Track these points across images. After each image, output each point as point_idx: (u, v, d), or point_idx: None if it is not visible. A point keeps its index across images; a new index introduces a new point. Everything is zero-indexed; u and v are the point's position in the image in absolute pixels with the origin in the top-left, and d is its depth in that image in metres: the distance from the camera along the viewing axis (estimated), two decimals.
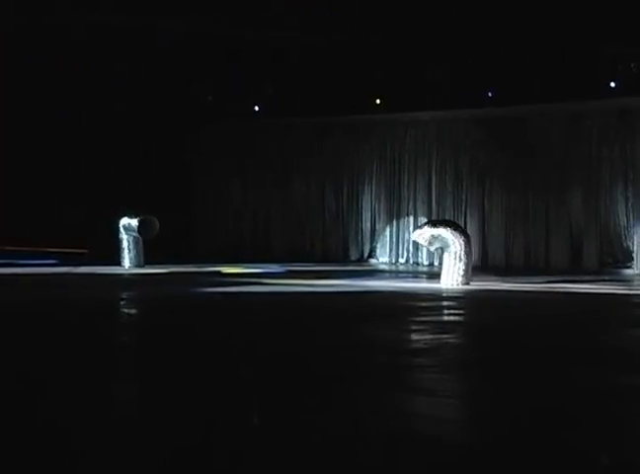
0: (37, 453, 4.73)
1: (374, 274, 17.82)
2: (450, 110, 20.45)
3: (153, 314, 11.11)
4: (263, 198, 23.10)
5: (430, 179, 21.14)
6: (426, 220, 18.04)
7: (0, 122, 23.70)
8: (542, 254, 19.76)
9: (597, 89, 18.85)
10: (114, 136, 23.02)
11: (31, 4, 20.40)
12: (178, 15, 20.49)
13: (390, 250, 21.19)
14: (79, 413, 5.54)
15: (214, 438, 4.98)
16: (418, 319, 10.57)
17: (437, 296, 13.17)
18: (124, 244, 18.67)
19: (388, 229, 21.39)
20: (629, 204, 19.07)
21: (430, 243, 15.00)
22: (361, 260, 21.70)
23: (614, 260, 19.10)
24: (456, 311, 11.65)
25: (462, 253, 14.78)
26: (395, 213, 21.29)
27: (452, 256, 14.77)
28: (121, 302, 12.52)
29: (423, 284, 15.27)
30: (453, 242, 14.79)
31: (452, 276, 14.82)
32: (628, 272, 18.63)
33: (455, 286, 14.55)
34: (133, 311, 11.87)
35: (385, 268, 20.16)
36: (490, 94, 20.20)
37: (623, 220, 19.10)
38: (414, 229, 16.30)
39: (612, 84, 18.85)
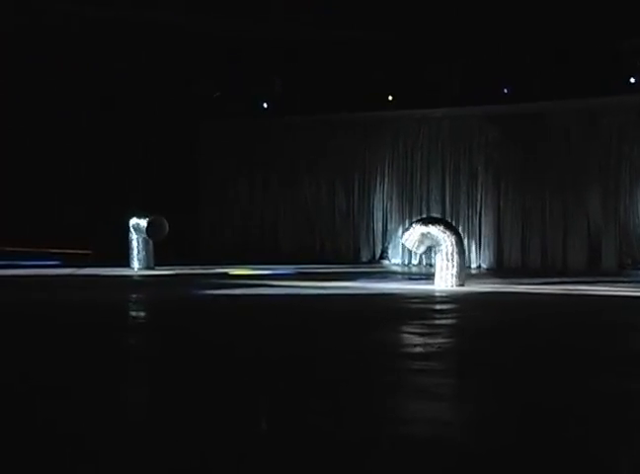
0: (40, 456, 4.83)
1: (383, 275, 17.56)
2: (465, 106, 20.22)
3: (160, 317, 11.22)
4: (271, 198, 22.88)
5: (443, 177, 20.94)
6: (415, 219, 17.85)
7: (0, 122, 23.53)
8: (559, 255, 19.56)
9: (616, 85, 18.60)
10: (118, 135, 22.90)
11: (30, 2, 20.27)
12: (180, 11, 20.32)
13: (402, 251, 20.90)
14: (84, 417, 5.64)
15: (222, 443, 5.07)
16: (412, 322, 10.57)
17: (427, 300, 13.06)
18: (134, 245, 18.36)
19: (400, 229, 21.12)
20: None
21: (418, 245, 14.74)
22: (373, 261, 21.44)
23: (634, 261, 18.82)
24: (445, 315, 11.60)
25: (454, 253, 14.52)
26: (407, 213, 21.04)
27: (444, 256, 14.52)
28: (129, 305, 12.38)
29: (419, 286, 14.98)
30: (444, 241, 14.54)
31: (445, 278, 14.57)
32: None
33: (449, 288, 14.29)
34: (141, 314, 11.76)
35: (397, 269, 19.89)
36: (505, 90, 19.94)
37: None
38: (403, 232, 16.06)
39: (632, 80, 18.58)
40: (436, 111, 20.85)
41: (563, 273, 18.56)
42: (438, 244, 14.70)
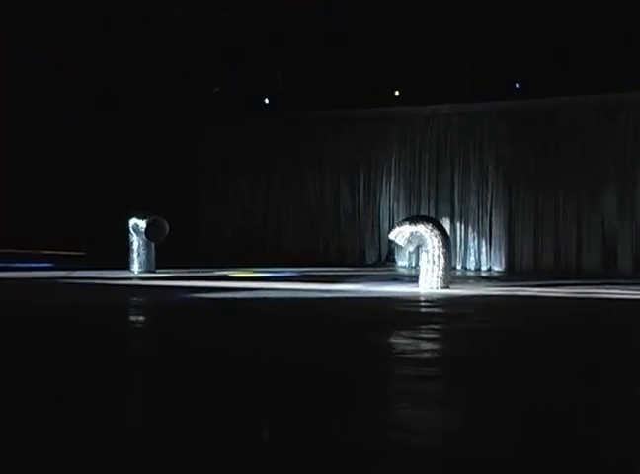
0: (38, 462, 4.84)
1: (386, 278, 17.19)
2: (474, 102, 19.80)
3: (160, 323, 10.72)
4: (273, 197, 22.47)
5: (452, 176, 20.48)
6: (404, 217, 17.52)
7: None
8: (573, 256, 19.16)
9: (632, 80, 18.20)
10: (118, 134, 22.63)
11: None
12: (179, 4, 20.03)
13: (409, 253, 20.41)
14: (82, 425, 5.61)
15: (222, 449, 5.03)
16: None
17: (405, 303, 13.01)
18: (134, 246, 17.78)
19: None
20: None
21: (408, 243, 14.42)
22: (379, 263, 20.98)
23: None
24: (424, 319, 11.53)
25: (439, 254, 14.17)
26: (415, 213, 20.51)
27: (429, 257, 14.19)
28: (129, 310, 12.03)
29: (402, 289, 14.72)
30: (431, 241, 14.19)
31: (430, 280, 14.21)
32: None
33: (434, 291, 13.91)
34: (141, 319, 11.43)
35: (404, 271, 19.44)
36: (517, 85, 19.58)
37: None
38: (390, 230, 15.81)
39: None
40: (444, 106, 20.41)
41: (577, 274, 18.17)
42: (424, 244, 14.42)
